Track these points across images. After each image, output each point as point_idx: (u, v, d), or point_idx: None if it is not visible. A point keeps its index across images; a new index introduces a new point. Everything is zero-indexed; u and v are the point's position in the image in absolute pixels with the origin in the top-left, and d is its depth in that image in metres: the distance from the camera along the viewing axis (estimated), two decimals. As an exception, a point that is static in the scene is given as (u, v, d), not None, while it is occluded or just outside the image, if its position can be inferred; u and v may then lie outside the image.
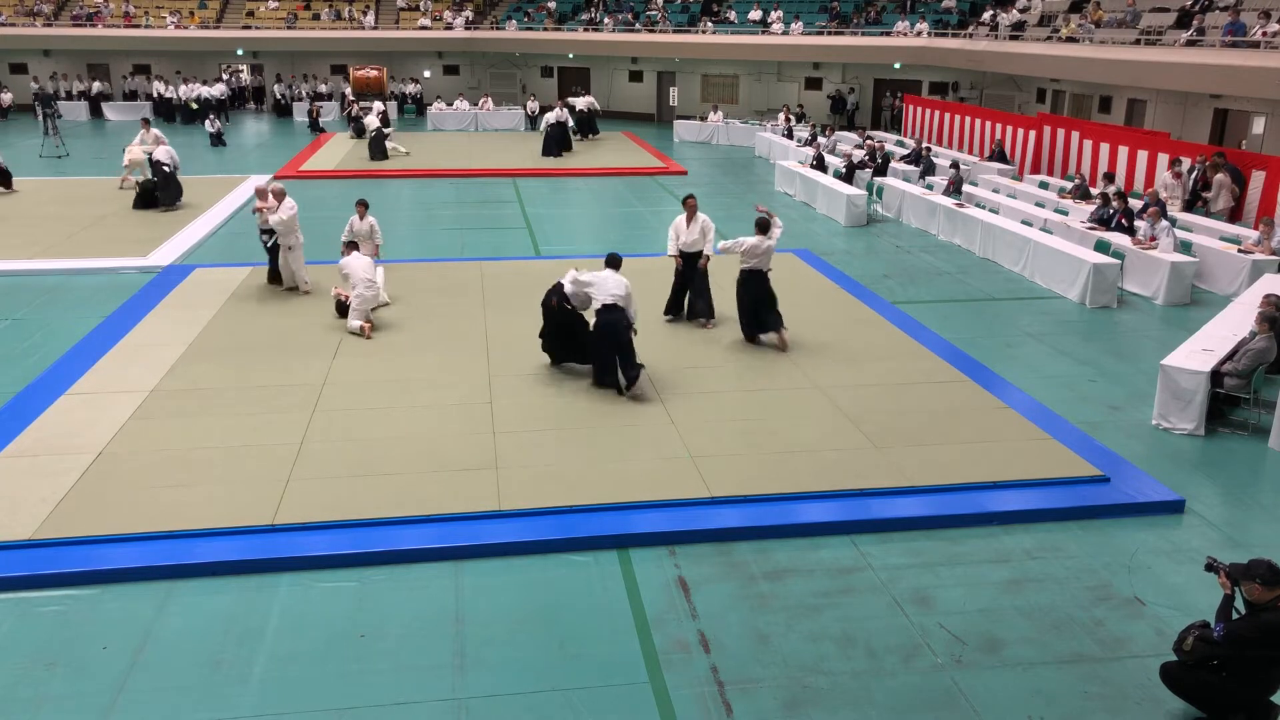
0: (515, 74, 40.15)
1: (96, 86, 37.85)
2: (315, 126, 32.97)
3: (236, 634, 5.93)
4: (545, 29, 38.08)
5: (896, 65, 31.79)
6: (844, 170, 21.20)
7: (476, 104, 35.21)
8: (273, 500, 7.25)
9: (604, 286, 9.34)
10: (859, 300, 12.83)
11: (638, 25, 36.59)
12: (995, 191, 19.20)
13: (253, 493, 7.36)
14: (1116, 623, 6.13)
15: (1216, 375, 8.89)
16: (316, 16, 40.74)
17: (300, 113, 36.16)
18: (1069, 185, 18.60)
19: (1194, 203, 16.83)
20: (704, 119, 32.08)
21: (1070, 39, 24.35)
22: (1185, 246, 13.85)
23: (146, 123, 20.88)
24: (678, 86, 36.34)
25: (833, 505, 7.38)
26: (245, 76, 40.54)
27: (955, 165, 19.70)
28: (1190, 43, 20.37)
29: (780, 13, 34.18)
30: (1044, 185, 19.74)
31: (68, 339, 10.98)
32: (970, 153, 24.38)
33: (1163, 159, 17.91)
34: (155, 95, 36.48)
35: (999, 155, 22.61)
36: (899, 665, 5.71)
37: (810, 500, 7.43)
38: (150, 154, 19.11)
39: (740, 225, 16.77)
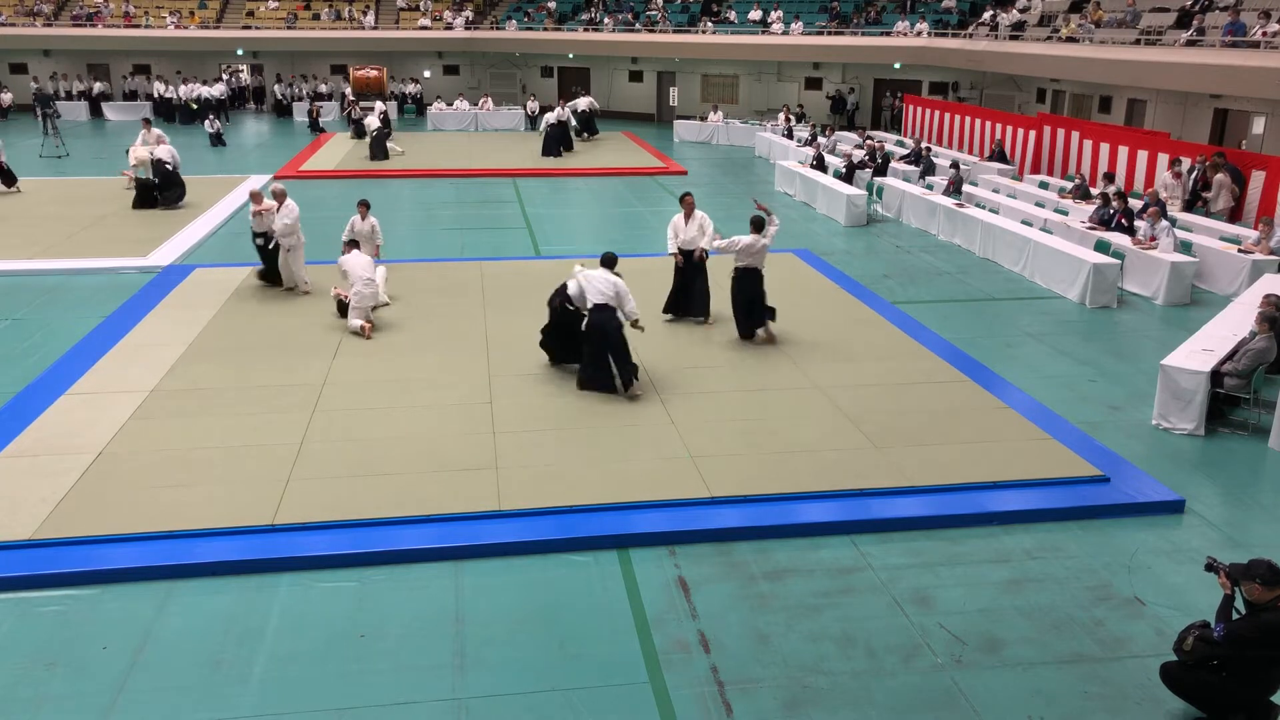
0: (515, 74, 40.15)
1: (98, 87, 37.88)
2: (315, 126, 32.97)
3: (236, 634, 5.93)
4: (545, 29, 38.08)
5: (896, 65, 31.79)
6: (844, 170, 21.20)
7: (476, 104, 35.21)
8: (273, 500, 7.25)
9: (593, 286, 9.33)
10: (859, 300, 12.83)
11: (638, 25, 36.59)
12: (995, 191, 19.21)
13: (253, 493, 7.36)
14: (1116, 623, 6.13)
15: (1216, 375, 8.89)
16: (316, 16, 40.74)
17: (300, 113, 36.17)
18: (1069, 185, 18.60)
19: (1194, 203, 16.83)
20: (704, 119, 32.08)
21: (1070, 39, 24.35)
22: (1185, 246, 13.85)
23: (148, 122, 20.90)
24: (678, 86, 36.34)
25: (833, 505, 7.38)
26: (245, 76, 40.56)
27: (955, 165, 19.70)
28: (1190, 43, 20.37)
29: (780, 13, 34.18)
30: (1044, 185, 19.74)
31: (68, 339, 10.98)
32: (970, 153, 24.38)
33: (1163, 159, 17.91)
34: (155, 95, 36.46)
35: (999, 155, 22.61)
36: (899, 665, 5.71)
37: (810, 500, 7.43)
38: (152, 153, 19.13)
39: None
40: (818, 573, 6.65)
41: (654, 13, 37.13)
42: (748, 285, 10.86)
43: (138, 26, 38.73)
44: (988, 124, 24.39)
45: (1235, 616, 5.02)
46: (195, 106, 34.60)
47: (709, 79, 36.31)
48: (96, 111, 37.18)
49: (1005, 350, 11.13)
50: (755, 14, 34.89)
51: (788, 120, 29.56)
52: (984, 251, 15.67)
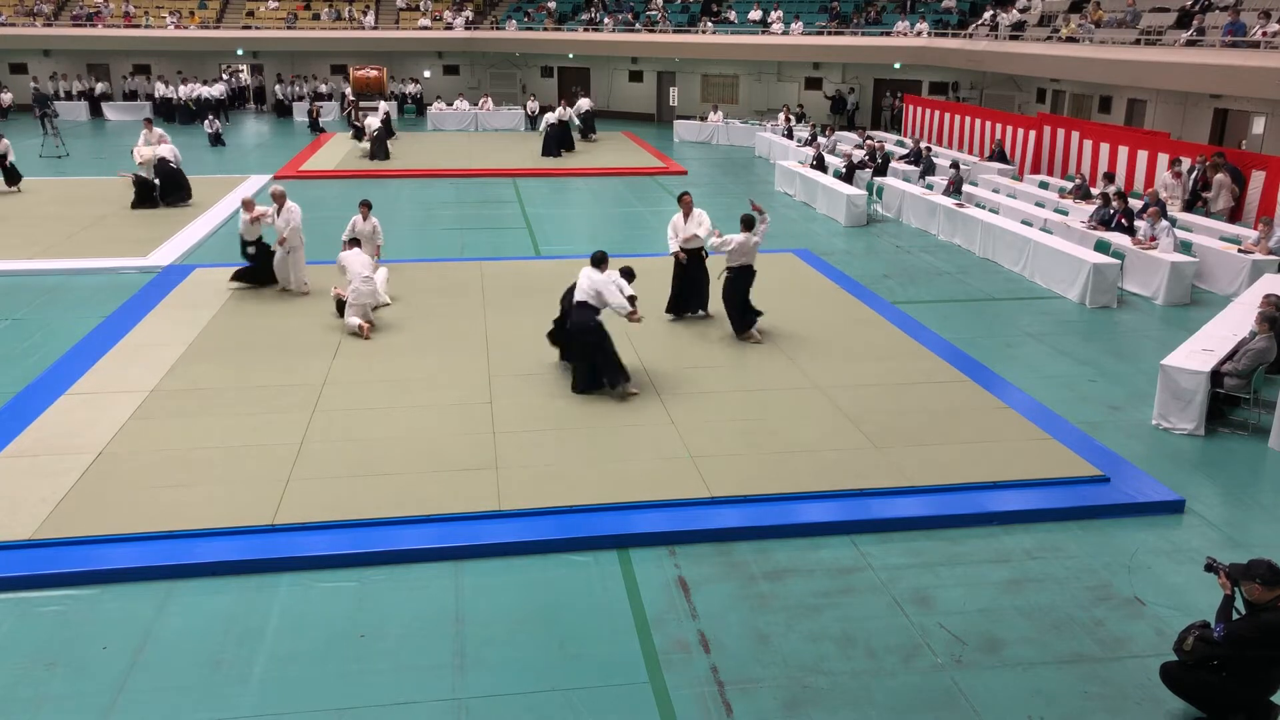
0: (515, 74, 40.15)
1: (100, 87, 37.91)
2: (315, 126, 32.97)
3: (236, 634, 5.93)
4: (545, 29, 38.08)
5: (896, 65, 31.79)
6: (844, 170, 21.20)
7: (476, 104, 35.21)
8: (273, 500, 7.25)
9: (579, 285, 9.33)
10: (859, 300, 12.83)
11: (638, 25, 36.59)
12: (995, 191, 19.20)
13: (253, 493, 7.36)
14: (1116, 623, 6.13)
15: (1216, 375, 8.89)
16: (316, 16, 40.74)
17: (300, 113, 36.17)
18: (1069, 185, 18.60)
19: (1194, 203, 16.83)
20: (704, 119, 32.08)
21: (1070, 39, 24.35)
22: (1185, 246, 13.85)
23: (149, 122, 20.92)
24: (678, 86, 36.34)
25: (833, 505, 7.38)
26: (245, 76, 40.57)
27: (955, 165, 19.69)
28: (1190, 43, 20.37)
29: (780, 13, 34.18)
30: (1044, 185, 19.74)
31: (68, 339, 10.98)
32: (970, 153, 24.38)
33: (1163, 159, 17.91)
34: (156, 96, 36.45)
35: (999, 155, 22.61)
36: (899, 665, 5.71)
37: (810, 500, 7.43)
38: (155, 152, 19.16)
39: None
40: (818, 573, 6.65)
41: (654, 13, 37.13)
42: (743, 284, 10.95)
43: (138, 26, 38.74)
44: (988, 124, 24.39)
45: (1235, 616, 5.02)
46: (194, 107, 34.61)
47: (709, 79, 36.31)
48: (96, 111, 37.18)
49: (1005, 350, 11.13)
50: (755, 14, 34.89)
51: (788, 120, 29.56)
52: (984, 251, 15.67)
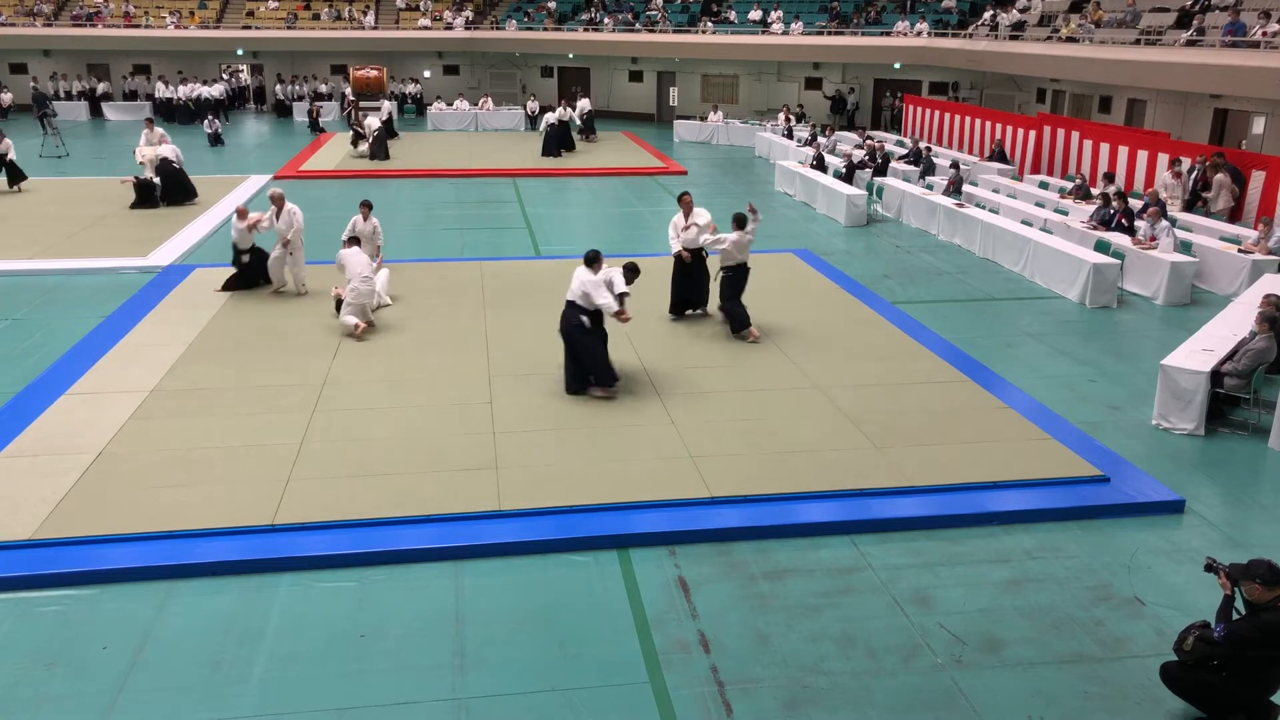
0: (515, 74, 40.15)
1: (102, 87, 37.93)
2: (315, 126, 32.97)
3: (236, 634, 5.93)
4: (545, 29, 38.08)
5: (896, 65, 31.79)
6: (844, 170, 21.20)
7: (476, 104, 35.21)
8: (273, 500, 7.25)
9: (571, 284, 9.34)
10: (859, 300, 12.83)
11: (638, 25, 36.59)
12: (995, 191, 19.20)
13: (253, 493, 7.36)
14: (1116, 623, 6.13)
15: (1216, 375, 8.89)
16: (316, 16, 40.74)
17: (300, 113, 36.17)
18: (1069, 185, 18.60)
19: (1194, 203, 16.83)
20: (704, 119, 32.09)
21: (1070, 39, 24.35)
22: (1185, 246, 13.85)
23: (150, 122, 20.94)
24: (678, 86, 36.34)
25: (833, 505, 7.38)
26: (245, 77, 40.57)
27: (955, 165, 19.69)
28: (1190, 43, 20.37)
29: (780, 13, 34.18)
30: (1044, 185, 19.74)
31: (68, 339, 10.98)
32: (970, 153, 24.38)
33: (1163, 159, 17.91)
34: (157, 96, 36.45)
35: (999, 155, 22.61)
36: (899, 665, 5.71)
37: (810, 500, 7.43)
38: (158, 152, 19.17)
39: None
40: (818, 573, 6.65)
41: (654, 13, 37.13)
42: (739, 282, 11.06)
43: (138, 26, 38.74)
44: (988, 124, 24.39)
45: (1235, 616, 5.02)
46: (193, 107, 34.62)
47: (709, 79, 36.31)
48: (96, 111, 37.19)
49: (1005, 350, 11.13)
50: (755, 14, 34.89)
51: (788, 120, 29.56)
52: (984, 251, 15.67)
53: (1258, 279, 12.30)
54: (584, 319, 9.22)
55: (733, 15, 35.95)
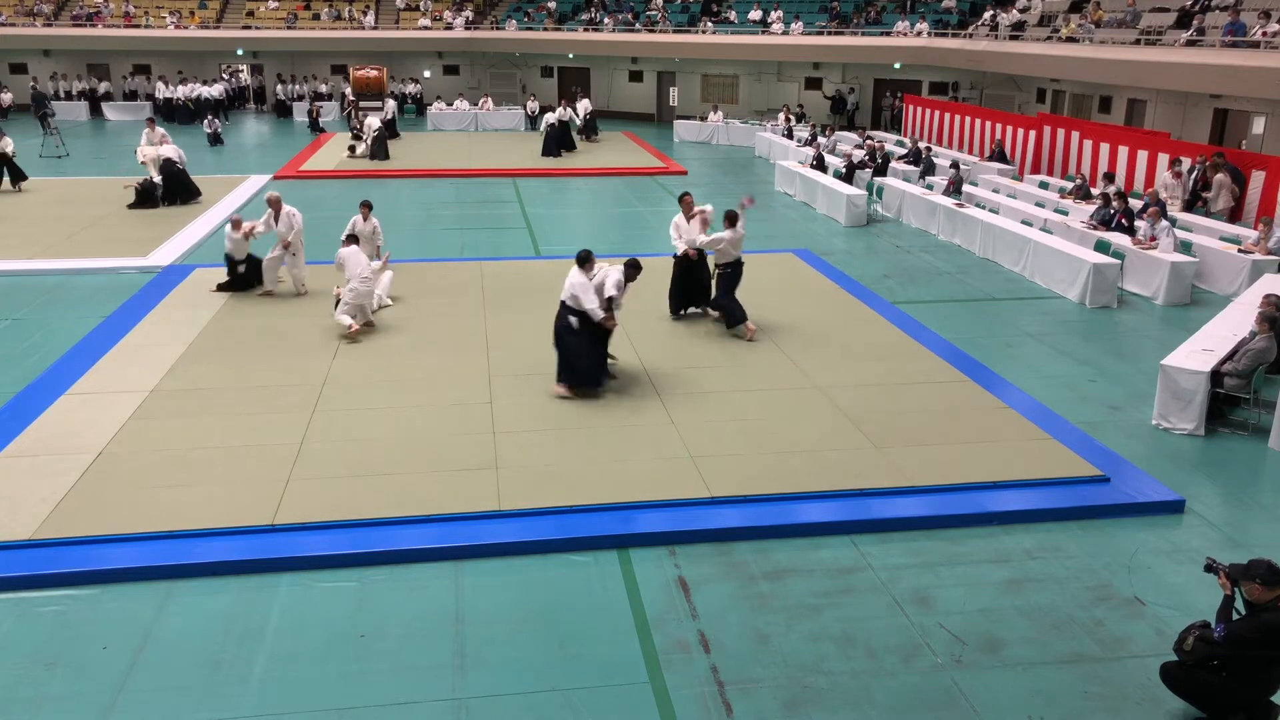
0: (515, 74, 40.15)
1: (104, 86, 37.94)
2: (315, 126, 32.97)
3: (236, 634, 5.93)
4: (545, 29, 38.08)
5: (896, 65, 31.79)
6: (844, 170, 21.20)
7: (476, 104, 35.21)
8: (273, 500, 7.25)
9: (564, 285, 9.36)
10: (859, 300, 12.83)
11: (638, 25, 36.59)
12: (995, 191, 19.20)
13: (253, 493, 7.36)
14: (1116, 623, 6.13)
15: (1216, 375, 8.89)
16: (316, 16, 40.74)
17: (300, 113, 36.18)
18: (1069, 185, 18.60)
19: (1194, 203, 16.83)
20: (704, 119, 32.09)
21: (1070, 39, 24.35)
22: (1185, 246, 13.85)
23: (152, 122, 20.95)
24: (678, 86, 36.34)
25: (833, 505, 7.38)
26: (245, 77, 40.57)
27: (955, 165, 19.69)
28: (1190, 43, 20.37)
29: (780, 13, 34.18)
30: (1044, 185, 19.74)
31: (68, 339, 10.98)
32: (970, 153, 24.38)
33: (1163, 159, 17.91)
34: (157, 96, 36.45)
35: (999, 155, 22.60)
36: (899, 665, 5.71)
37: (810, 500, 7.43)
38: (159, 152, 19.18)
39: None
40: (818, 573, 6.65)
41: (654, 13, 37.13)
42: (735, 278, 11.19)
43: (138, 26, 38.74)
44: (988, 124, 24.39)
45: (1235, 616, 5.02)
46: (192, 106, 34.63)
47: (709, 79, 36.31)
48: (96, 111, 37.19)
49: (1005, 350, 11.13)
50: (755, 14, 34.89)
51: (788, 120, 29.56)
52: (984, 251, 15.67)
53: (1258, 279, 12.30)
54: (573, 320, 9.23)
55: (733, 15, 35.95)
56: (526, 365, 10.11)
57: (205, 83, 36.25)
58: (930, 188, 19.34)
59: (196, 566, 6.54)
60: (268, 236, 12.93)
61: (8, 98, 36.07)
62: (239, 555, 6.64)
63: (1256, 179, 16.18)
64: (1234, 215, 16.30)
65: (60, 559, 6.54)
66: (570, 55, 37.56)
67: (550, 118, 27.58)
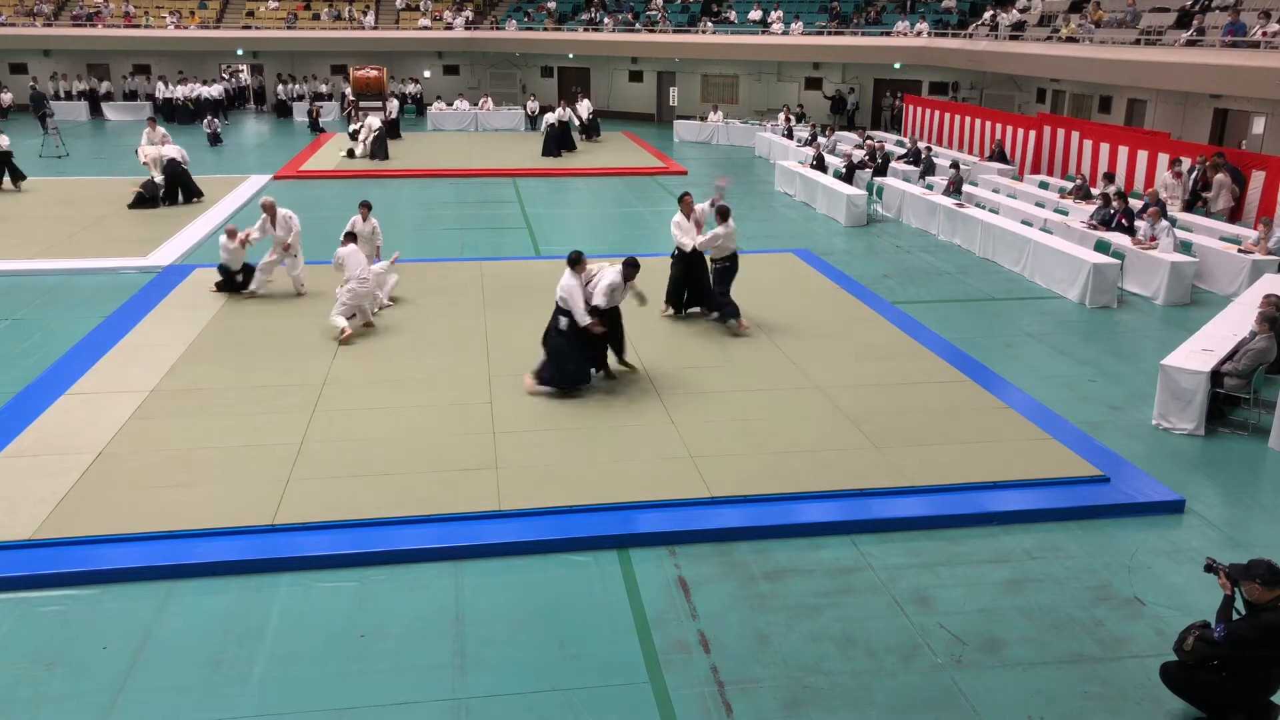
0: (515, 74, 40.15)
1: (106, 86, 37.95)
2: (315, 126, 32.97)
3: (236, 634, 5.93)
4: (545, 29, 38.08)
5: (896, 65, 31.79)
6: (844, 170, 21.20)
7: (476, 104, 35.20)
8: (273, 500, 7.25)
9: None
10: (859, 300, 12.83)
11: (638, 25, 36.59)
12: (995, 191, 19.20)
13: (253, 493, 7.36)
14: (1116, 623, 6.13)
15: (1216, 375, 8.89)
16: (316, 16, 40.74)
17: (300, 113, 36.18)
18: (1069, 185, 18.60)
19: (1194, 203, 16.83)
20: (704, 119, 32.08)
21: (1070, 39, 24.35)
22: (1185, 246, 13.85)
23: (153, 121, 20.94)
24: (678, 86, 36.34)
25: (833, 505, 7.38)
26: (245, 77, 40.56)
27: (955, 165, 19.69)
28: (1190, 43, 20.37)
29: (780, 13, 34.18)
30: (1044, 185, 19.74)
31: (68, 339, 10.98)
32: (970, 153, 24.38)
33: (1163, 159, 17.91)
34: (158, 96, 36.45)
35: (999, 155, 22.60)
36: (899, 665, 5.71)
37: (810, 500, 7.43)
38: (161, 152, 19.18)
39: (739, 225, 16.74)
40: (818, 573, 6.65)
41: (654, 13, 37.13)
42: (731, 272, 11.33)
43: (138, 26, 38.74)
44: (988, 124, 24.39)
45: (1235, 616, 5.02)
46: (192, 106, 34.63)
47: (709, 79, 36.30)
48: (96, 111, 37.20)
49: (1005, 350, 11.13)
50: (755, 14, 34.89)
51: (788, 120, 29.56)
52: (984, 251, 15.67)
53: (1258, 279, 12.30)
54: (563, 320, 9.24)
55: (733, 15, 35.95)
56: (526, 365, 10.07)
57: (205, 83, 36.26)
58: (930, 188, 19.34)
59: (196, 566, 6.54)
60: (264, 242, 12.91)
61: (8, 98, 36.07)
62: (239, 555, 6.64)
63: (1256, 179, 16.18)
64: (1234, 215, 16.30)
65: (60, 559, 6.54)
66: (570, 55, 37.56)
67: (550, 118, 27.58)
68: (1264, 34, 18.59)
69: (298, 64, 39.44)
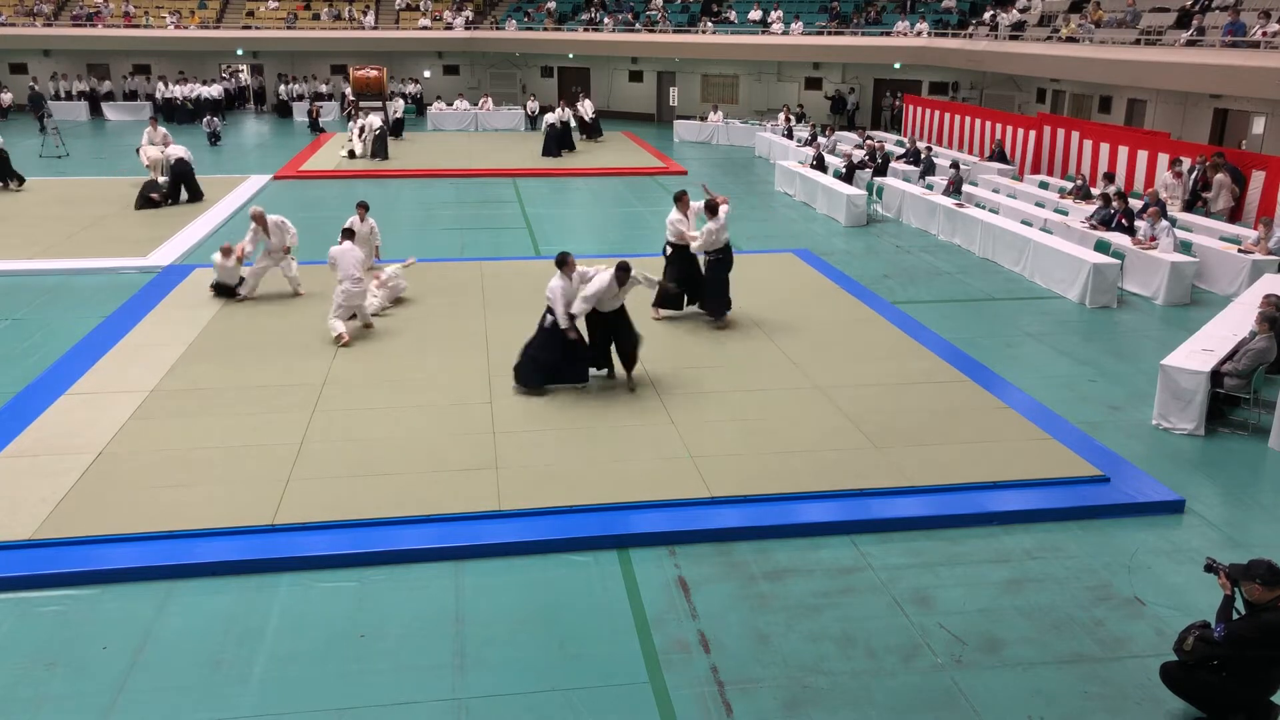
0: (515, 74, 40.15)
1: (106, 86, 37.96)
2: (315, 126, 32.97)
3: (236, 634, 5.93)
4: (545, 29, 38.08)
5: (896, 65, 31.79)
6: (844, 170, 21.20)
7: (476, 104, 35.20)
8: (273, 500, 7.25)
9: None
10: (859, 300, 12.83)
11: (638, 25, 36.59)
12: (995, 191, 19.20)
13: (253, 493, 7.36)
14: (1116, 623, 6.13)
15: (1216, 375, 8.89)
16: (316, 16, 40.74)
17: (300, 113, 36.18)
18: (1069, 185, 18.60)
19: (1194, 203, 16.83)
20: (704, 119, 32.08)
21: (1070, 39, 24.35)
22: (1185, 246, 13.85)
23: (154, 121, 20.93)
24: (678, 86, 36.33)
25: (833, 505, 7.38)
26: (245, 77, 40.56)
27: (955, 165, 19.69)
28: (1190, 43, 20.37)
29: (780, 13, 34.18)
30: (1044, 185, 19.74)
31: (68, 339, 10.98)
32: (970, 153, 24.38)
33: (1163, 159, 17.91)
34: (158, 96, 36.44)
35: (999, 155, 22.60)
36: (899, 665, 5.71)
37: (810, 500, 7.43)
38: (164, 153, 19.18)
39: (739, 225, 16.78)
40: (818, 573, 6.65)
41: (654, 13, 37.13)
42: (727, 264, 11.41)
43: (138, 26, 38.73)
44: (988, 124, 24.39)
45: (1235, 616, 5.02)
46: (191, 106, 34.63)
47: (709, 79, 36.30)
48: (96, 111, 37.20)
49: (1005, 350, 11.13)
50: (755, 14, 34.89)
51: (788, 120, 29.56)
52: (984, 251, 15.67)
53: (1258, 279, 12.30)
54: (549, 318, 9.31)
55: (733, 15, 35.95)
56: (526, 365, 10.10)
57: (205, 83, 36.26)
58: (930, 188, 19.34)
59: (196, 566, 6.54)
60: (255, 250, 12.84)
61: (7, 98, 36.08)
62: (239, 555, 6.64)
63: (1256, 179, 16.18)
64: (1234, 215, 16.29)
65: (60, 559, 6.54)
66: (570, 55, 37.56)
67: (550, 118, 27.58)
68: (1264, 34, 18.59)
69: (298, 64, 39.44)
